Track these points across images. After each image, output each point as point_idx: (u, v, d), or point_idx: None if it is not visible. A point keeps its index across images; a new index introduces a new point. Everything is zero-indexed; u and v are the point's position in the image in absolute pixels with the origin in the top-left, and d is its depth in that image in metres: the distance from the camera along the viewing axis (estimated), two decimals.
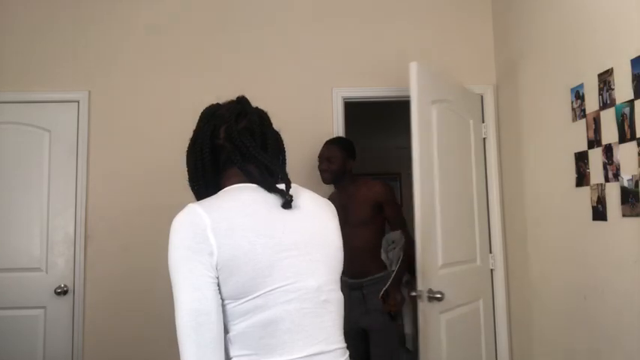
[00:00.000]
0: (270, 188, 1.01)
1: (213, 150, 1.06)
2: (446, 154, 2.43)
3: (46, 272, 2.63)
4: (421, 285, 2.17)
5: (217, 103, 1.14)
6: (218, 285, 0.91)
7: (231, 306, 0.93)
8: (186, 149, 1.11)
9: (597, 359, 1.89)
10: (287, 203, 1.00)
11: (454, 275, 2.43)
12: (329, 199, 2.17)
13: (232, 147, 1.05)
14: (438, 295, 2.17)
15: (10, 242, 2.64)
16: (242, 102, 1.13)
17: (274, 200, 1.01)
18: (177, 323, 0.89)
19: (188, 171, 1.10)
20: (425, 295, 2.16)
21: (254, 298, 0.93)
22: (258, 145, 1.06)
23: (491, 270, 2.75)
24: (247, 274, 0.92)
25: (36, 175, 2.69)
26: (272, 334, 0.93)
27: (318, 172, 2.50)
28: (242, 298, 0.92)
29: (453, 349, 2.33)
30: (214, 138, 1.07)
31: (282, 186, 1.03)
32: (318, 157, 2.52)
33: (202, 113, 1.13)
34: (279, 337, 0.94)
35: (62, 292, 2.61)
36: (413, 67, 2.28)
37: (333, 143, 2.54)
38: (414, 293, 2.23)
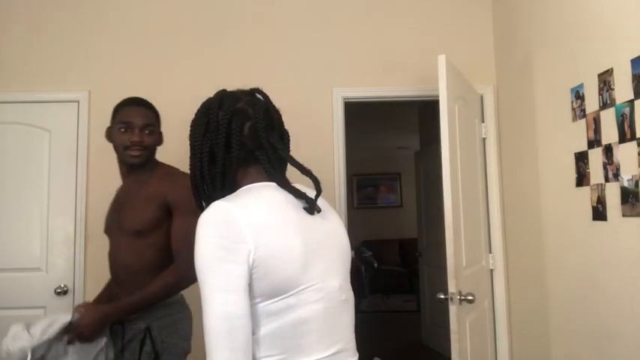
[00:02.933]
0: (296, 192, 1.01)
1: (242, 146, 1.02)
2: (464, 153, 2.39)
3: (46, 272, 2.64)
4: (453, 287, 2.07)
5: (227, 92, 1.09)
6: (249, 284, 0.90)
7: (262, 305, 0.91)
8: (195, 141, 1.04)
9: (597, 359, 1.89)
10: (313, 209, 1.02)
11: (472, 276, 2.40)
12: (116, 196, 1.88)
13: (255, 145, 1.03)
14: (470, 297, 2.10)
15: (10, 242, 2.64)
16: (263, 96, 1.10)
17: (295, 200, 1.01)
18: (207, 327, 0.85)
19: (197, 165, 1.03)
20: (457, 297, 2.07)
21: (287, 297, 0.92)
22: (286, 147, 1.07)
23: (491, 270, 2.75)
24: (284, 272, 0.91)
25: (36, 175, 2.69)
26: (302, 334, 0.93)
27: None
28: (275, 296, 0.91)
29: (475, 353, 2.31)
30: (240, 134, 1.03)
31: (301, 188, 1.04)
32: (121, 122, 1.73)
33: (220, 103, 1.05)
34: (307, 337, 0.94)
35: (62, 292, 2.61)
36: (441, 60, 2.20)
37: (144, 106, 1.76)
38: (442, 296, 2.13)
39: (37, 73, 2.77)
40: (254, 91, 1.11)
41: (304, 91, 2.82)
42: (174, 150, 2.71)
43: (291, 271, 0.91)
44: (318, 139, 2.76)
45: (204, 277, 0.86)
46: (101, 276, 2.66)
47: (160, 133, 1.84)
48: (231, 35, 2.86)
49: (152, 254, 1.66)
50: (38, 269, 2.64)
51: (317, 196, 1.03)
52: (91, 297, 2.67)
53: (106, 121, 3.02)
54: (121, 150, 1.73)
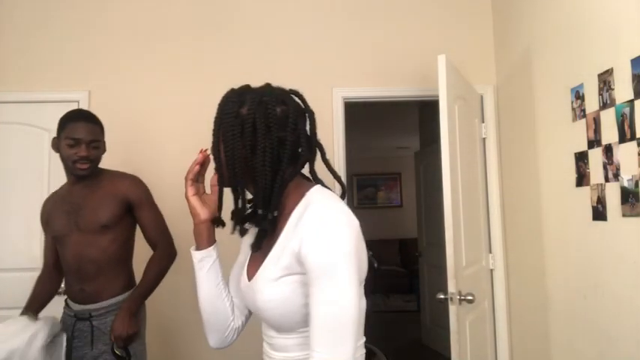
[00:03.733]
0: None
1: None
2: (464, 153, 2.39)
3: None
4: (452, 287, 2.08)
5: (275, 88, 1.10)
6: None
7: None
8: (258, 133, 0.98)
9: (597, 359, 1.89)
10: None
11: (472, 276, 2.41)
12: (46, 201, 2.05)
13: (307, 148, 1.04)
14: (470, 297, 2.11)
15: (10, 242, 2.64)
16: (302, 99, 1.11)
17: None
18: (345, 318, 0.88)
19: (259, 159, 0.98)
20: (457, 297, 2.08)
21: (360, 285, 0.98)
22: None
23: (491, 270, 2.75)
24: (365, 266, 1.00)
25: (36, 175, 2.69)
26: (362, 319, 1.03)
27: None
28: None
29: (475, 353, 2.31)
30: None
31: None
32: (69, 138, 1.83)
33: (277, 98, 1.03)
34: (362, 322, 1.03)
35: (62, 292, 2.59)
36: (441, 60, 2.21)
37: (91, 121, 1.89)
38: (442, 296, 2.13)
39: (37, 73, 2.77)
40: (297, 94, 1.11)
41: (304, 91, 2.77)
42: (173, 152, 2.72)
43: (365, 265, 1.00)
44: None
45: (344, 272, 0.88)
46: None
47: (104, 143, 1.98)
48: (230, 36, 2.86)
49: (115, 247, 1.88)
50: (38, 269, 2.62)
51: (342, 198, 1.09)
52: None
53: (106, 121, 3.03)
54: (69, 163, 1.85)
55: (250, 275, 1.05)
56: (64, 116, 1.92)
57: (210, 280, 1.09)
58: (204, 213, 1.07)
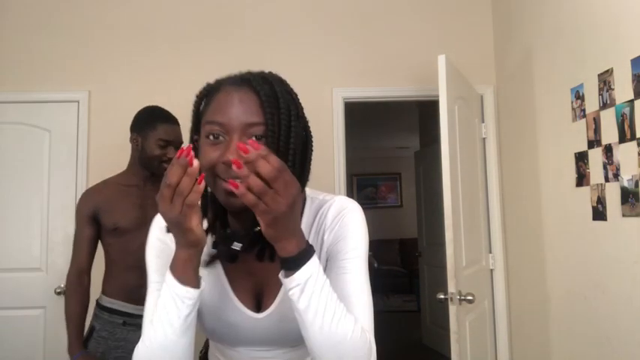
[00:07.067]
0: None
1: None
2: (464, 153, 2.39)
3: (46, 272, 2.63)
4: (452, 287, 2.08)
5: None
6: None
7: None
8: (306, 137, 0.94)
9: (597, 359, 1.89)
10: None
11: (472, 276, 2.41)
12: (93, 192, 1.92)
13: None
14: (470, 297, 2.11)
15: (10, 242, 2.64)
16: None
17: None
18: (370, 296, 0.89)
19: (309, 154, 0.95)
20: (457, 297, 2.08)
21: None
22: None
23: (491, 270, 2.75)
24: None
25: (36, 175, 2.69)
26: None
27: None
28: None
29: (475, 353, 2.31)
30: None
31: None
32: (162, 140, 1.88)
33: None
34: None
35: (62, 292, 2.59)
36: (441, 60, 2.22)
37: (178, 124, 1.99)
38: (442, 296, 2.14)
39: (37, 73, 2.77)
40: None
41: (304, 91, 2.77)
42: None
43: None
44: (318, 139, 2.74)
45: (365, 260, 0.92)
46: (100, 276, 2.66)
47: None
48: (230, 35, 2.85)
49: None
50: (38, 269, 2.64)
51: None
52: (92, 297, 2.66)
53: (106, 121, 3.03)
54: (155, 163, 1.87)
55: (262, 307, 0.91)
56: (153, 114, 1.94)
57: (192, 329, 0.81)
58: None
